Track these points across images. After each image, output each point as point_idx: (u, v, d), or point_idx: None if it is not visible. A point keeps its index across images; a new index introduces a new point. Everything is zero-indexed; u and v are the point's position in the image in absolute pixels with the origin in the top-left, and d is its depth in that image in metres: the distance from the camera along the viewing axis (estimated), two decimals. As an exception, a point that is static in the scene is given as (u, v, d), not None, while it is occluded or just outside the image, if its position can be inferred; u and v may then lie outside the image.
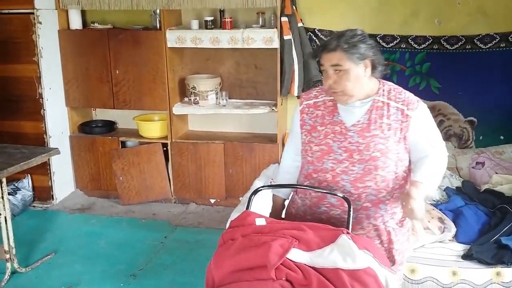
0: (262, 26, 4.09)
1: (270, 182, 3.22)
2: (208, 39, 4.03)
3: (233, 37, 3.99)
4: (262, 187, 2.15)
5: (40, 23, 4.09)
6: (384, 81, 2.00)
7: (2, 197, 3.13)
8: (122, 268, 3.37)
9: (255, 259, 1.68)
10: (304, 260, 1.71)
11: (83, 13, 4.43)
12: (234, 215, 2.82)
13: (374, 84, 1.96)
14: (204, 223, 4.07)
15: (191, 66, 4.49)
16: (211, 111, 4.25)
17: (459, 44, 3.91)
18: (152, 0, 4.05)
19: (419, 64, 4.02)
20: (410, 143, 1.93)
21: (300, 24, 4.01)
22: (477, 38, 3.87)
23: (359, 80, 1.89)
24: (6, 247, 3.17)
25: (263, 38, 3.94)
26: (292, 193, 2.21)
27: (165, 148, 4.41)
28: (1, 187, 3.12)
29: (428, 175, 1.89)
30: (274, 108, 4.14)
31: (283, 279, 1.65)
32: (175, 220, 4.12)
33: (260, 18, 4.11)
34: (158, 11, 4.14)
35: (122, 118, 4.68)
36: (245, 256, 1.71)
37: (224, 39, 4.01)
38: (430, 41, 3.96)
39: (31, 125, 4.26)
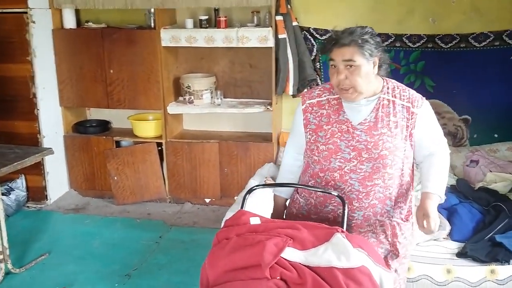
0: (257, 25, 4.09)
1: (264, 181, 3.22)
2: (203, 38, 4.02)
3: (227, 36, 3.98)
4: (256, 186, 2.15)
5: (34, 22, 4.07)
6: (387, 79, 2.01)
7: (-4, 198, 3.12)
8: (116, 268, 3.35)
9: (250, 258, 1.68)
10: (299, 259, 1.71)
11: (77, 12, 4.41)
12: (229, 214, 2.82)
13: (379, 82, 1.97)
14: (199, 223, 4.06)
15: (186, 65, 4.48)
16: (206, 110, 4.24)
17: (454, 42, 3.92)
18: (146, -1, 4.04)
19: (413, 62, 4.03)
20: (415, 140, 1.95)
21: (295, 23, 4.00)
22: (471, 37, 3.88)
23: (369, 77, 1.89)
24: (-1, 248, 3.16)
25: (258, 37, 3.93)
26: (292, 193, 2.20)
27: (159, 148, 4.39)
28: (-5, 187, 3.11)
29: (438, 182, 1.96)
30: (269, 107, 4.13)
31: (278, 278, 1.65)
32: (170, 219, 4.11)
33: (255, 17, 4.11)
34: (152, 10, 4.12)
35: (117, 117, 4.66)
36: (240, 255, 1.71)
37: (218, 38, 4.00)
38: (424, 39, 3.97)
39: (25, 125, 4.23)
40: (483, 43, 3.88)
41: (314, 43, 4.14)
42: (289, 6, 3.96)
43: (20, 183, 4.25)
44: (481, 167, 3.67)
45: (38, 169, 4.23)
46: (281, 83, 3.99)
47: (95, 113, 4.75)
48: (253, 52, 4.23)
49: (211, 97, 4.31)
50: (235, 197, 3.91)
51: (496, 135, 4.02)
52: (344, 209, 1.86)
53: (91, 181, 4.54)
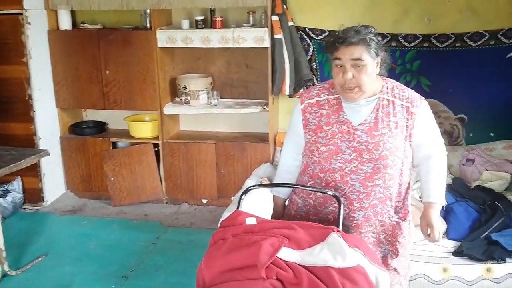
0: (253, 25, 4.09)
1: (260, 182, 3.22)
2: (199, 38, 4.02)
3: (224, 36, 3.98)
4: (252, 186, 2.15)
5: (29, 23, 4.06)
6: (386, 78, 2.00)
7: (-8, 200, 3.11)
8: (113, 269, 3.35)
9: (246, 258, 1.68)
10: (295, 259, 1.71)
11: (73, 13, 4.40)
12: (226, 214, 2.81)
13: (379, 82, 1.96)
14: (196, 223, 4.06)
15: (182, 66, 4.47)
16: (202, 111, 4.24)
17: (449, 42, 3.93)
18: (142, -1, 4.04)
19: (409, 62, 4.04)
20: (414, 140, 1.95)
21: (291, 23, 4.01)
22: (466, 36, 3.90)
23: (372, 76, 1.89)
24: (-4, 250, 3.15)
25: (254, 37, 3.93)
26: (291, 193, 2.19)
27: (156, 149, 4.39)
28: (-9, 189, 3.10)
29: (439, 190, 2.01)
30: (265, 107, 4.14)
31: (274, 278, 1.66)
32: (167, 220, 4.11)
33: (251, 17, 4.11)
34: (148, 11, 4.12)
35: (113, 118, 4.65)
36: (236, 255, 1.71)
37: (215, 38, 4.00)
38: (420, 39, 3.98)
39: (21, 126, 4.22)
40: (479, 42, 3.89)
41: (310, 43, 4.14)
42: (285, 6, 3.96)
43: (16, 185, 4.24)
44: (477, 166, 3.67)
45: (34, 170, 4.22)
46: (277, 83, 4.00)
47: (91, 114, 4.75)
48: (249, 53, 4.23)
49: (208, 98, 4.30)
50: (232, 198, 3.92)
51: (492, 134, 4.03)
52: (339, 209, 1.86)
53: (88, 183, 4.53)
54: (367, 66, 1.85)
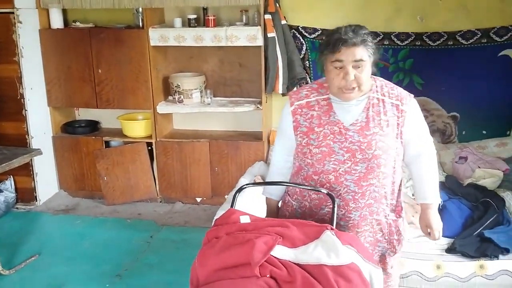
0: (246, 24, 4.08)
1: (254, 180, 3.22)
2: (192, 37, 4.01)
3: (216, 35, 3.98)
4: (246, 185, 2.14)
5: (21, 22, 4.03)
6: (375, 77, 1.99)
7: (-16, 199, 3.09)
8: (107, 268, 3.34)
9: (239, 256, 1.68)
10: (289, 257, 1.71)
11: (64, 12, 4.38)
12: (220, 213, 2.82)
13: (369, 81, 1.95)
14: (190, 222, 4.05)
15: (175, 64, 4.46)
16: (195, 110, 4.23)
17: (441, 40, 3.95)
18: (134, -2, 4.02)
19: (402, 60, 4.05)
20: (404, 138, 1.95)
21: (283, 22, 4.01)
22: (459, 34, 3.91)
23: (369, 75, 1.88)
24: (-12, 250, 3.13)
25: (246, 36, 3.93)
26: (283, 194, 2.17)
27: (149, 148, 4.38)
28: (-18, 189, 3.08)
29: (433, 189, 2.03)
30: (259, 105, 4.14)
31: (268, 276, 1.65)
32: (161, 219, 4.10)
33: (244, 16, 4.10)
34: (140, 9, 4.10)
35: (106, 117, 4.64)
36: (229, 254, 1.71)
37: (207, 37, 3.99)
38: (412, 37, 3.99)
39: (13, 126, 4.19)
40: (471, 41, 3.91)
41: (303, 42, 4.14)
42: (277, 5, 3.96)
43: (8, 185, 4.22)
44: (470, 164, 3.70)
45: (27, 170, 4.19)
46: (270, 81, 4.00)
47: (83, 113, 4.72)
48: (242, 51, 4.23)
49: (201, 96, 4.30)
50: (226, 196, 3.92)
51: (484, 132, 4.06)
52: (333, 206, 1.86)
53: (81, 182, 4.51)
54: (366, 67, 1.84)
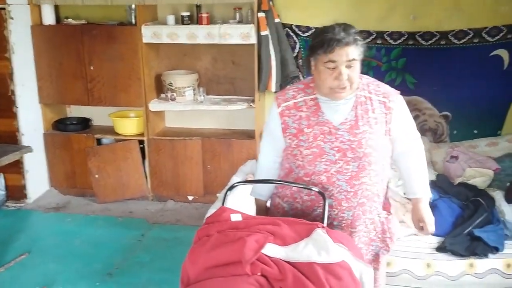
0: (239, 22, 4.08)
1: (246, 178, 3.21)
2: (185, 34, 4.00)
3: (210, 32, 3.97)
4: (237, 183, 2.13)
5: (12, 18, 4.00)
6: (361, 75, 1.99)
7: (-27, 197, 3.06)
8: (98, 267, 3.32)
9: (230, 255, 1.68)
10: (280, 255, 1.71)
11: (56, 8, 4.34)
12: (211, 211, 2.81)
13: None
14: (182, 220, 4.04)
15: (168, 62, 4.44)
16: (188, 108, 4.22)
17: (434, 39, 3.96)
18: (127, -5, 4.00)
19: (394, 59, 4.06)
20: (392, 134, 1.96)
21: (277, 20, 4.01)
22: (451, 34, 3.93)
23: (359, 74, 1.88)
24: (-23, 248, 3.11)
25: (240, 34, 3.92)
26: (272, 196, 2.15)
27: (141, 145, 4.36)
28: (-28, 186, 3.05)
29: (423, 183, 2.04)
30: (252, 104, 4.13)
31: (259, 274, 1.65)
32: (152, 217, 4.09)
33: (237, 13, 4.09)
34: (133, 6, 4.09)
35: (97, 115, 4.60)
36: (220, 252, 1.70)
37: (201, 34, 3.98)
38: (405, 36, 4.00)
39: (3, 122, 4.16)
40: (463, 40, 3.93)
41: (297, 40, 4.14)
42: (271, 3, 3.96)
43: (-2, 182, 4.19)
44: (461, 163, 3.71)
45: (17, 167, 4.16)
46: (263, 80, 4.00)
47: (75, 111, 4.69)
48: (236, 49, 4.22)
49: (194, 94, 4.28)
50: (218, 194, 3.90)
51: (475, 131, 4.08)
52: (324, 204, 1.87)
53: (72, 179, 4.48)
54: (357, 66, 1.84)
